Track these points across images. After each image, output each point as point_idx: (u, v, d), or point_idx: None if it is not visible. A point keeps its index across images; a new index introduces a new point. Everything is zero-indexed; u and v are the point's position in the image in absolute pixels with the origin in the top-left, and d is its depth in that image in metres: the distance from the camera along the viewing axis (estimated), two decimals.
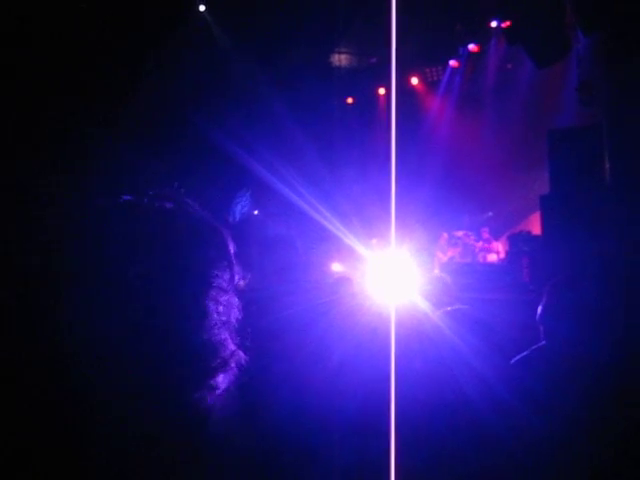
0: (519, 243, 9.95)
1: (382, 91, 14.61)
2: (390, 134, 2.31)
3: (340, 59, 14.41)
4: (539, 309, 2.69)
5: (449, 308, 2.89)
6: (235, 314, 1.19)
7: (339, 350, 2.44)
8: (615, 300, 2.41)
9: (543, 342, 2.64)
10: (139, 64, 10.06)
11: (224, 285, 1.17)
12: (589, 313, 2.41)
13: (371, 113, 14.55)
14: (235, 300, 1.20)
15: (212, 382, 1.12)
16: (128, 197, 1.17)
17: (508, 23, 10.64)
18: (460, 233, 12.96)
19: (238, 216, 12.32)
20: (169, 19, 10.53)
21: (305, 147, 11.85)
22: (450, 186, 12.87)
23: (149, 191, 1.20)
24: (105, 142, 9.34)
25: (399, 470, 1.68)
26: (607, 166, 7.67)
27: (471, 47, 13.08)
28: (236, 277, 1.22)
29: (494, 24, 11.94)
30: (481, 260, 12.36)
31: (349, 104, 15.09)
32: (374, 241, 11.01)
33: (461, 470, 2.24)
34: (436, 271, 11.18)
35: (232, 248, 1.23)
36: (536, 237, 9.68)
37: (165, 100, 10.70)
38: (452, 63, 13.71)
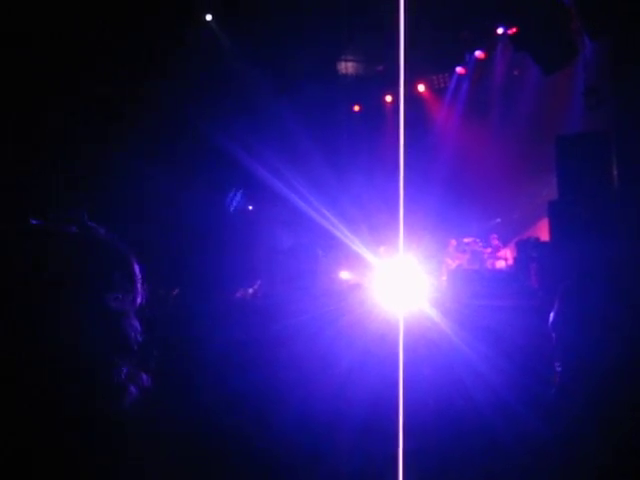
0: (527, 249, 9.90)
1: (389, 98, 14.63)
2: (398, 141, 2.32)
3: (347, 67, 14.44)
4: (551, 316, 2.68)
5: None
6: (136, 336, 1.19)
7: (347, 357, 2.45)
8: (623, 304, 2.40)
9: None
10: (145, 68, 10.11)
11: (124, 308, 1.18)
12: (597, 318, 2.40)
13: (378, 121, 14.55)
14: (136, 322, 1.20)
15: (108, 405, 1.12)
16: (34, 221, 1.18)
17: (514, 29, 10.64)
18: (468, 240, 12.94)
19: (232, 209, 12.43)
20: (175, 25, 10.59)
21: (312, 154, 11.87)
22: (458, 193, 12.85)
23: (55, 215, 1.20)
24: (109, 145, 9.40)
25: (407, 476, 1.68)
26: (615, 172, 7.66)
27: (477, 54, 13.10)
28: (138, 299, 1.23)
29: (500, 30, 11.94)
30: (489, 267, 12.33)
31: (356, 112, 15.11)
32: (382, 248, 11.01)
33: (469, 475, 2.24)
34: (444, 278, 11.17)
35: (137, 270, 1.24)
36: (544, 243, 9.64)
37: (172, 108, 10.75)
38: (459, 70, 13.72)
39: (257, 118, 11.83)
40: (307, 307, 2.74)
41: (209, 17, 12.04)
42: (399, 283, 3.35)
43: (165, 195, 10.52)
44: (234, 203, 12.95)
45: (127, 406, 1.14)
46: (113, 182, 9.80)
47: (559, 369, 2.57)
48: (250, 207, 13.73)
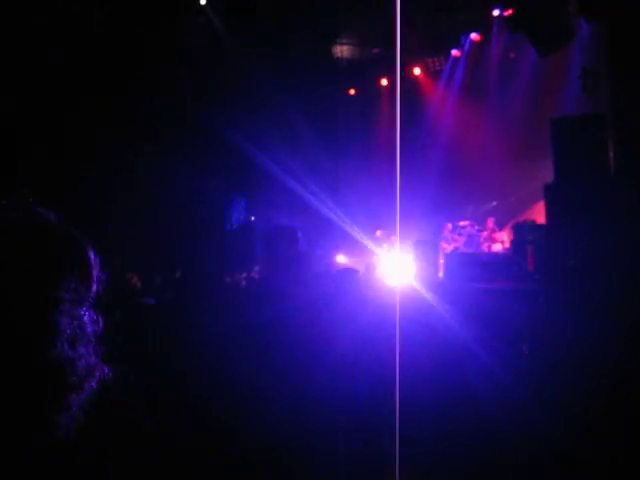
0: (524, 232, 9.91)
1: (384, 82, 14.57)
2: (394, 125, 2.30)
3: (342, 50, 14.37)
4: (543, 299, 2.68)
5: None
6: (93, 327, 1.14)
7: (344, 341, 2.44)
8: (619, 288, 2.41)
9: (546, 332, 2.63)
10: (141, 60, 10.05)
11: (79, 297, 1.13)
12: (593, 302, 2.40)
13: (374, 104, 14.50)
14: (92, 312, 1.15)
15: (64, 402, 1.07)
16: None
17: (510, 11, 10.58)
18: (464, 223, 12.93)
19: (235, 225, 12.39)
20: (170, 12, 10.52)
21: (308, 138, 11.85)
22: (454, 176, 12.85)
23: (3, 200, 1.14)
24: (108, 138, 9.37)
25: (404, 459, 1.69)
26: (611, 154, 7.64)
27: (473, 36, 13.05)
28: (94, 287, 1.17)
29: (496, 12, 11.89)
30: (486, 250, 12.33)
31: (351, 95, 15.06)
32: (378, 232, 11.02)
33: (465, 456, 2.25)
34: (441, 261, 11.19)
35: (92, 257, 1.18)
36: (541, 226, 9.63)
37: (167, 94, 10.71)
38: (454, 52, 13.66)
39: (253, 102, 11.79)
40: (303, 291, 2.73)
41: (203, 1, 11.96)
42: (396, 266, 3.35)
43: (164, 183, 10.52)
44: (236, 216, 12.90)
45: (86, 400, 1.10)
46: (114, 172, 9.80)
47: (526, 351, 2.58)
48: (252, 218, 13.68)
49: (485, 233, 12.71)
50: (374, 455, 2.13)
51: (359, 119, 14.19)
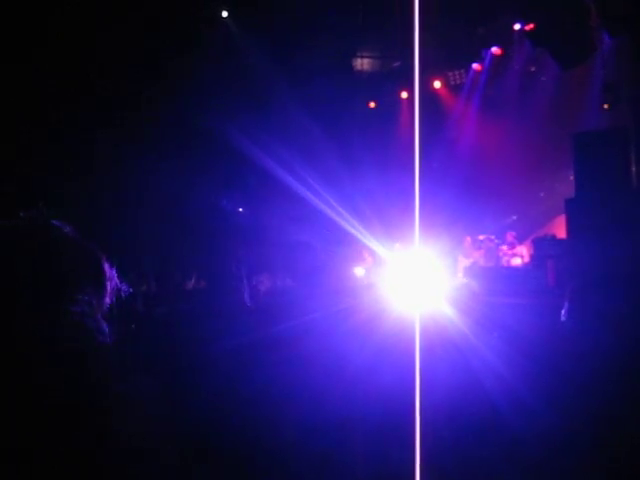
0: (544, 247, 9.83)
1: (405, 95, 14.57)
2: (413, 138, 2.29)
3: (363, 63, 14.41)
4: (563, 313, 2.64)
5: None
6: (103, 337, 1.15)
7: (361, 356, 2.42)
8: None
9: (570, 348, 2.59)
10: (158, 66, 10.12)
11: (91, 308, 1.14)
12: (615, 316, 2.37)
13: (394, 117, 14.51)
14: (103, 323, 1.16)
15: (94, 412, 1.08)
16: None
17: (532, 25, 10.55)
18: (482, 237, 12.86)
19: (227, 210, 12.48)
20: (190, 21, 10.59)
21: (327, 151, 11.85)
22: (474, 189, 12.79)
23: (21, 214, 1.17)
24: (116, 142, 9.43)
25: (424, 478, 1.66)
26: (634, 169, 7.58)
27: (494, 50, 13.01)
28: (107, 299, 1.19)
29: (517, 27, 11.85)
30: (505, 264, 12.24)
31: (372, 108, 15.07)
32: (397, 245, 10.98)
33: (487, 477, 2.22)
34: (459, 275, 11.11)
35: (106, 267, 1.20)
36: (561, 241, 9.57)
37: (183, 103, 10.78)
38: (475, 66, 13.63)
39: (272, 115, 11.83)
40: (319, 304, 2.72)
41: (225, 14, 12.05)
42: (414, 280, 3.32)
43: (175, 192, 10.58)
44: (230, 205, 13.03)
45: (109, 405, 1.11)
46: (122, 180, 9.86)
47: (546, 366, 2.55)
48: (240, 209, 13.80)
49: (504, 247, 12.63)
50: (393, 471, 2.10)
51: (378, 132, 14.18)
